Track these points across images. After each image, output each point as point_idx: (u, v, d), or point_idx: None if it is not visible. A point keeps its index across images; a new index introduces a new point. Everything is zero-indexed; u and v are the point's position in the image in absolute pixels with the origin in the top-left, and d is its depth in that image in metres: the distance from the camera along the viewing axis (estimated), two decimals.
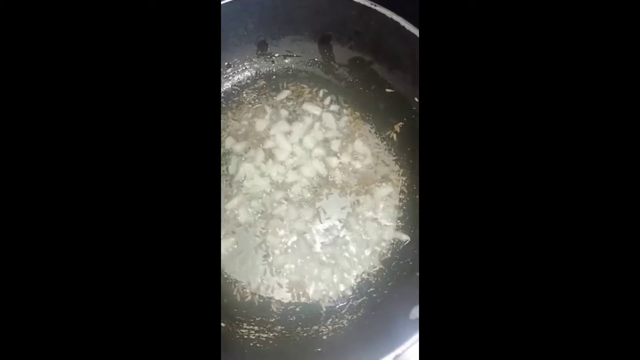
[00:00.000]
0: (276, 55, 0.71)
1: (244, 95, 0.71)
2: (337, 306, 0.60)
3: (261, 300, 0.61)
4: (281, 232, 0.63)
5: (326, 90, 0.71)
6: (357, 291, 0.61)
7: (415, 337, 0.46)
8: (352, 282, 0.61)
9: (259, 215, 0.64)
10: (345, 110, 0.70)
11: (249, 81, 0.72)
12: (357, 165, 0.66)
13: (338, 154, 0.67)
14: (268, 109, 0.70)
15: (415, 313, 0.49)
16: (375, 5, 0.59)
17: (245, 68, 0.72)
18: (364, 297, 0.60)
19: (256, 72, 0.72)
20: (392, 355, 0.46)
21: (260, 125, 0.68)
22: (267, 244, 0.63)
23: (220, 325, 0.58)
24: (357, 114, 0.70)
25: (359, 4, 0.60)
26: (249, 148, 0.67)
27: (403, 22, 0.58)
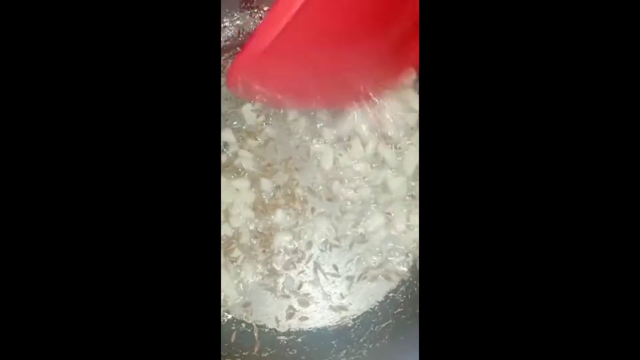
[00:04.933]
0: (265, 9, 0.58)
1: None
2: (353, 333, 0.49)
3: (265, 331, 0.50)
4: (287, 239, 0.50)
5: None
6: (379, 314, 0.50)
7: None
8: (374, 301, 0.50)
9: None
10: None
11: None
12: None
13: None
14: None
15: None
16: None
17: (225, 26, 0.58)
18: (390, 320, 0.50)
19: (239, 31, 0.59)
20: None
21: None
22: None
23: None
24: None
25: None
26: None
27: None
